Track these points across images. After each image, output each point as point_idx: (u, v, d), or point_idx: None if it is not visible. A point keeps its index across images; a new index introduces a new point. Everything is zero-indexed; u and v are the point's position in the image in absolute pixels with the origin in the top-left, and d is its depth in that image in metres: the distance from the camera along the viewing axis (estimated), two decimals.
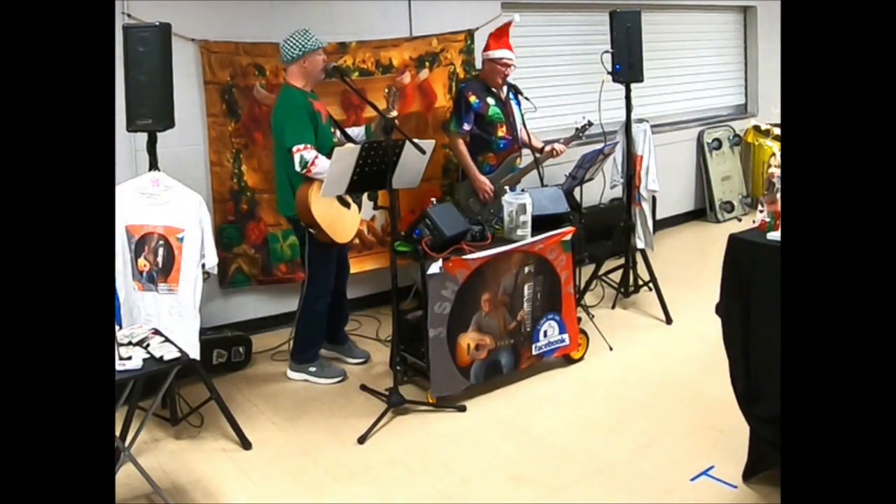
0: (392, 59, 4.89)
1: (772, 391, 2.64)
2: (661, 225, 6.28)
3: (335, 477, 3.16)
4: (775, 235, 2.75)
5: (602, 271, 5.10)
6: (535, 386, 3.93)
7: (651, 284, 4.84)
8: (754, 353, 2.85)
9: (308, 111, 3.76)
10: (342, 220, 3.85)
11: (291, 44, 3.79)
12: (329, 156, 3.55)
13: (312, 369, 4.06)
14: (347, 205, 3.85)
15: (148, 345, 2.84)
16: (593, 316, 4.63)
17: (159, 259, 3.40)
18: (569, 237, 3.97)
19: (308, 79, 3.87)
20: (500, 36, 4.53)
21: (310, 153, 3.65)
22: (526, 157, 4.59)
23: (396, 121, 3.86)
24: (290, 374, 4.11)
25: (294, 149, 3.66)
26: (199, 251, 3.43)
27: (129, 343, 2.83)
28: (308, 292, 3.98)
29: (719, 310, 2.96)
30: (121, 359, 2.66)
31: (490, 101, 4.53)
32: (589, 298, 4.95)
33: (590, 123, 4.46)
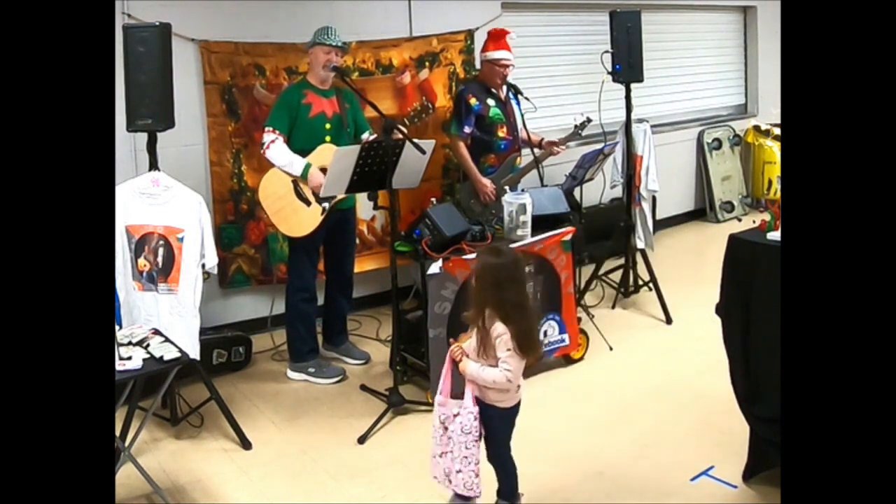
0: (392, 59, 4.90)
1: (772, 391, 2.64)
2: (661, 225, 6.28)
3: (335, 477, 3.16)
4: (775, 235, 2.75)
5: (602, 271, 5.10)
6: (535, 386, 3.92)
7: (651, 284, 4.84)
8: (754, 353, 2.85)
9: (291, 102, 3.87)
10: (293, 213, 3.85)
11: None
12: (309, 152, 3.79)
13: (311, 369, 4.07)
14: (307, 202, 3.85)
15: (148, 345, 2.84)
16: (593, 316, 4.63)
17: (159, 259, 3.40)
18: (569, 237, 3.97)
19: (312, 72, 3.93)
20: (498, 37, 4.53)
21: (268, 137, 3.80)
22: (526, 157, 4.59)
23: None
24: (290, 374, 4.11)
25: (265, 129, 3.84)
26: (199, 251, 3.43)
27: (129, 343, 2.83)
28: (287, 287, 4.10)
29: (719, 310, 2.96)
30: (121, 359, 2.66)
31: (490, 102, 4.54)
32: (589, 298, 4.95)
33: (589, 120, 4.46)
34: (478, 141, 4.55)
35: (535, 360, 2.68)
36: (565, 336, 4.05)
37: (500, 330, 2.53)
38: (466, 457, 2.59)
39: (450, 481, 2.65)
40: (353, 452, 3.35)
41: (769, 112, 7.29)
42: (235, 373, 4.17)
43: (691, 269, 5.76)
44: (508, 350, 2.52)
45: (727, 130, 7.24)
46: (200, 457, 3.32)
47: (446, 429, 2.63)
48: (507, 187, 4.17)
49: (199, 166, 4.37)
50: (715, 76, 7.36)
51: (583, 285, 4.84)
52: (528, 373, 3.95)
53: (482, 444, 2.67)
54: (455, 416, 2.60)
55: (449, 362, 2.67)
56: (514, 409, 2.69)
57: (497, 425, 2.67)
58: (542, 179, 4.45)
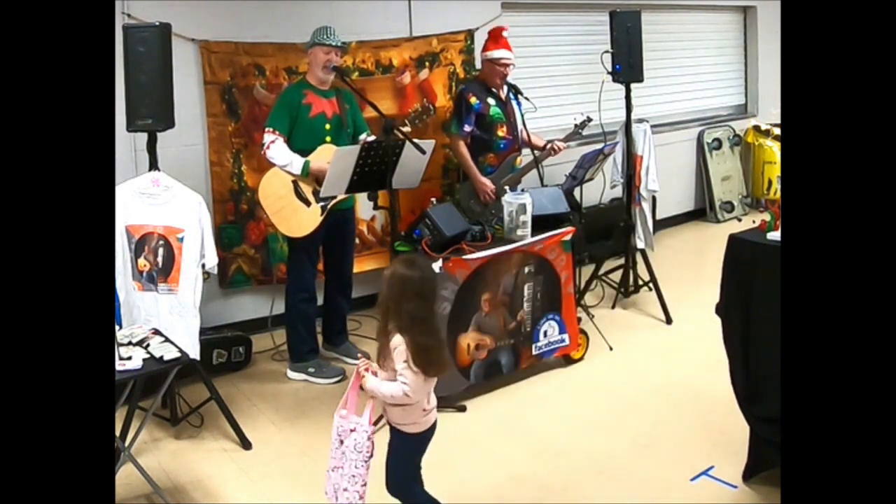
0: (392, 59, 4.90)
1: (772, 391, 2.65)
2: (661, 225, 6.28)
3: None
4: (775, 235, 2.75)
5: (602, 271, 5.10)
6: (535, 386, 3.93)
7: (651, 284, 4.84)
8: (754, 353, 2.85)
9: (291, 102, 3.86)
10: (293, 214, 3.84)
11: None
12: (310, 152, 3.78)
13: (311, 369, 4.07)
14: (307, 202, 3.84)
15: (148, 345, 2.84)
16: (593, 316, 4.63)
17: (159, 259, 3.40)
18: (569, 237, 3.97)
19: (312, 72, 3.93)
20: (498, 36, 4.54)
21: (269, 137, 3.80)
22: (526, 157, 4.59)
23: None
24: (290, 374, 4.11)
25: (265, 129, 3.84)
26: (198, 251, 3.43)
27: (129, 343, 2.83)
28: (287, 287, 4.10)
29: (719, 310, 2.96)
30: (121, 359, 2.66)
31: (490, 101, 4.54)
32: (589, 298, 4.95)
33: (589, 119, 4.47)
34: (477, 140, 4.55)
35: (438, 375, 2.50)
36: (565, 336, 4.05)
37: (396, 341, 2.41)
38: (354, 476, 2.46)
39: (337, 498, 2.49)
40: None
41: (769, 112, 7.29)
42: (235, 373, 4.17)
43: (691, 269, 5.76)
44: (404, 362, 2.39)
45: (727, 130, 7.24)
46: (200, 457, 3.32)
47: (342, 442, 2.49)
48: (506, 187, 4.17)
49: (199, 166, 4.37)
50: (715, 76, 7.36)
51: (583, 285, 4.84)
52: (529, 373, 3.99)
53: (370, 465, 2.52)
54: (351, 431, 2.48)
55: (356, 377, 2.53)
56: (422, 437, 2.53)
57: (398, 449, 2.53)
58: (542, 179, 4.45)
